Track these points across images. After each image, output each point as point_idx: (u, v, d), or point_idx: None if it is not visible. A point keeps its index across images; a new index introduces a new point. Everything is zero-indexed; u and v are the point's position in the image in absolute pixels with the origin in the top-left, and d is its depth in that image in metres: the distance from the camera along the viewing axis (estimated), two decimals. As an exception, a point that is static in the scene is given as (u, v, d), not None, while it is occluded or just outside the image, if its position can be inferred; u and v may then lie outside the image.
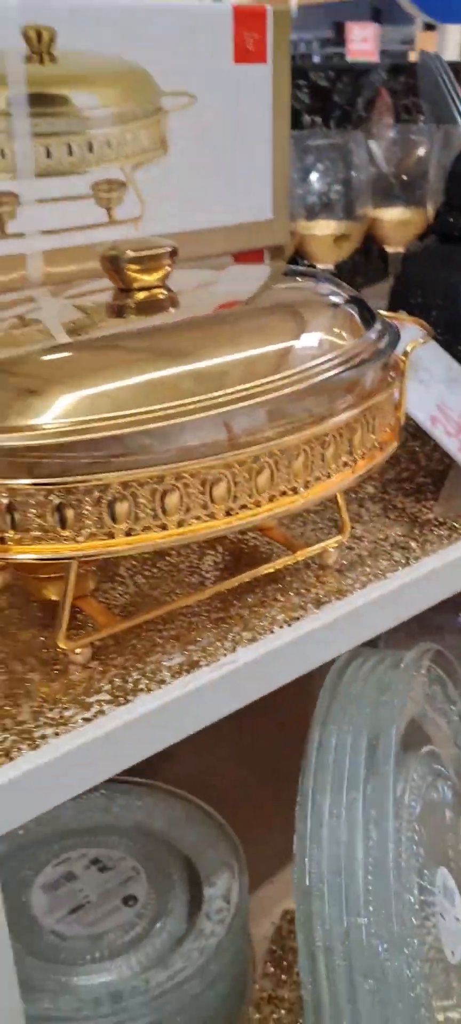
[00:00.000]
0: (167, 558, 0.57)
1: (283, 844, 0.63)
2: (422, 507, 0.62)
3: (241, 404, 0.42)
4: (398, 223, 0.98)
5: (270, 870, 0.76)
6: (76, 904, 0.67)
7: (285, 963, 0.69)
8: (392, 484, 0.66)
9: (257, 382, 0.43)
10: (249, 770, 0.75)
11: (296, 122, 0.99)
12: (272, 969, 0.69)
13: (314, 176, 0.91)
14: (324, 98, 0.99)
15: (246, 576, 0.53)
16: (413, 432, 0.75)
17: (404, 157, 1.01)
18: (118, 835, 0.72)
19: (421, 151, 1.01)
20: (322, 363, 0.45)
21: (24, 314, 0.50)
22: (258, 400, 0.43)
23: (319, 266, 0.94)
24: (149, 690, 0.46)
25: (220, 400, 0.42)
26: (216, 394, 0.42)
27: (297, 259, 0.94)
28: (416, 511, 0.62)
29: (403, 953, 0.40)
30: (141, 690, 0.46)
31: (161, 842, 0.72)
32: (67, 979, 0.61)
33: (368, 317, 0.52)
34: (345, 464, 0.47)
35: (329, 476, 0.46)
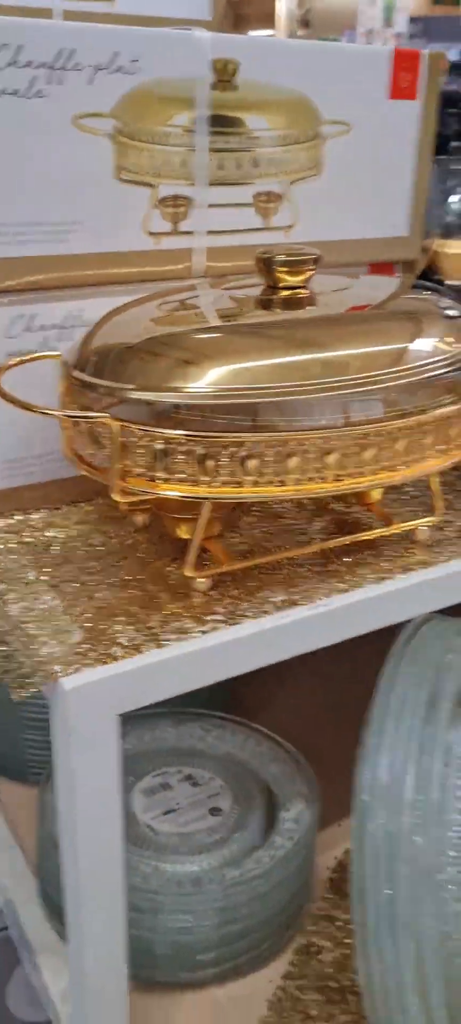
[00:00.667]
0: (282, 519, 0.67)
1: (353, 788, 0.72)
2: None
3: (356, 390, 0.51)
4: None
5: (338, 815, 0.84)
6: (169, 808, 0.78)
7: (342, 891, 0.78)
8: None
9: (372, 374, 0.52)
10: (333, 719, 0.84)
11: (443, 147, 1.05)
12: (331, 894, 0.78)
13: (453, 198, 0.98)
14: (472, 126, 1.05)
15: (346, 539, 0.62)
16: None
17: None
18: (210, 760, 0.83)
19: None
20: (429, 363, 0.54)
21: (186, 300, 0.61)
22: (369, 389, 0.51)
23: (449, 282, 1.01)
24: (255, 617, 0.56)
25: (340, 384, 0.51)
26: (338, 379, 0.51)
27: (429, 274, 1.01)
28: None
29: (438, 853, 0.47)
30: (249, 616, 0.56)
31: (247, 770, 0.82)
32: (156, 864, 0.72)
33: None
34: (440, 452, 0.55)
35: (425, 460, 0.55)
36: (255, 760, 0.83)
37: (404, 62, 0.68)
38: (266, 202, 0.67)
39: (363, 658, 0.65)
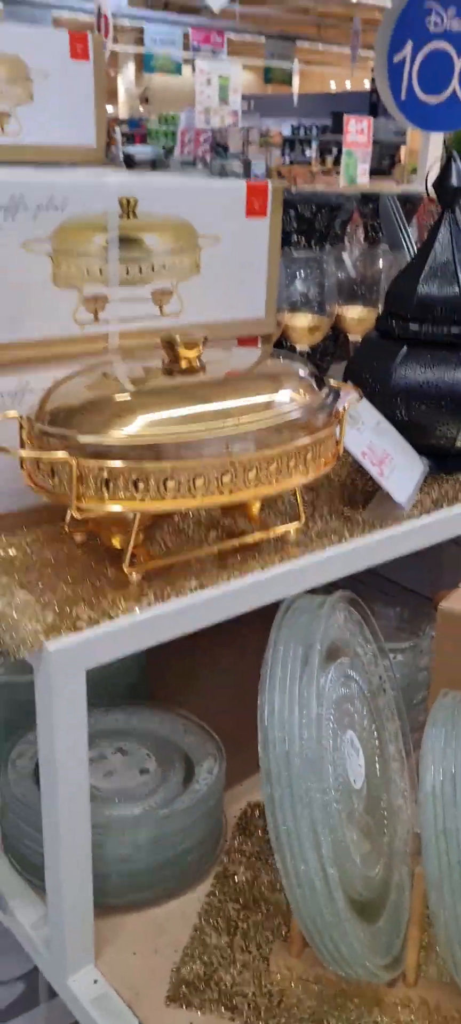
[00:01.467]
0: (187, 531, 0.89)
1: (253, 753, 0.93)
2: (355, 513, 0.95)
3: (241, 431, 0.74)
4: (358, 318, 1.32)
5: (241, 774, 1.05)
6: (107, 771, 0.97)
7: (248, 832, 0.99)
8: (336, 499, 0.98)
9: (251, 419, 0.75)
10: (233, 698, 1.05)
11: (287, 240, 1.33)
12: (239, 835, 0.99)
13: (296, 281, 1.25)
14: (308, 223, 1.33)
15: (236, 542, 0.85)
16: (355, 470, 1.08)
17: (367, 269, 1.36)
18: (137, 736, 1.02)
19: (379, 265, 1.36)
20: (289, 409, 0.78)
21: (110, 372, 0.82)
22: (252, 429, 0.75)
23: (298, 348, 1.28)
24: (177, 596, 0.77)
25: (229, 428, 0.74)
26: (228, 423, 0.74)
27: (283, 342, 1.28)
28: (351, 515, 0.94)
29: (322, 763, 0.71)
30: (172, 596, 0.77)
31: (167, 742, 1.02)
32: (103, 811, 0.90)
33: (321, 383, 0.84)
34: (301, 472, 0.79)
35: (291, 477, 0.78)
36: (174, 734, 1.03)
37: (255, 192, 0.94)
38: (160, 296, 0.90)
39: (254, 651, 0.87)
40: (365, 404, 0.99)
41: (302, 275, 1.27)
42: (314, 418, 0.81)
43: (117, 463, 0.72)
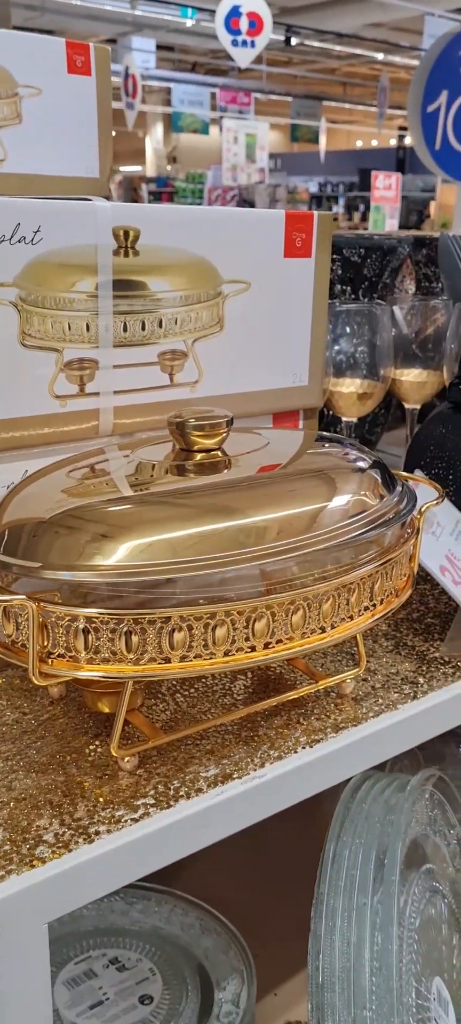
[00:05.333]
0: (203, 681, 0.65)
1: (289, 957, 0.68)
2: (429, 646, 0.70)
3: (281, 557, 0.50)
4: (416, 383, 1.08)
5: (275, 982, 0.80)
6: (96, 1000, 0.71)
7: None
8: (404, 624, 0.74)
9: (295, 538, 0.51)
10: (262, 884, 0.80)
11: (329, 290, 1.10)
12: None
13: (342, 339, 1.03)
14: (355, 270, 1.11)
15: (274, 700, 0.60)
16: (424, 575, 0.83)
17: (423, 324, 1.13)
18: (136, 938, 0.77)
19: (439, 320, 1.13)
20: (350, 524, 0.54)
21: (96, 465, 0.59)
22: (295, 554, 0.51)
23: (345, 419, 1.05)
24: (188, 797, 0.53)
25: (263, 552, 0.50)
26: (260, 546, 0.50)
27: (324, 411, 1.05)
28: (424, 649, 0.69)
29: None
30: (181, 797, 0.53)
31: (176, 947, 0.77)
32: None
33: (389, 480, 0.60)
34: (366, 608, 0.55)
35: (351, 618, 0.54)
36: (184, 934, 0.78)
37: (297, 223, 0.71)
38: (171, 360, 0.67)
39: (290, 813, 0.63)
40: (443, 504, 0.74)
41: (349, 331, 1.04)
42: (385, 533, 0.57)
43: (97, 609, 0.48)
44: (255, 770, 0.55)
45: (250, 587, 0.50)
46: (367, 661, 0.66)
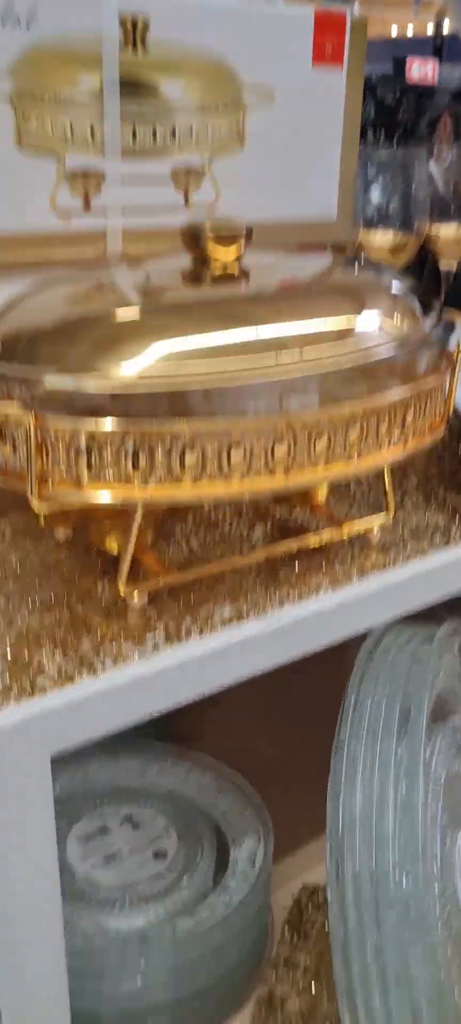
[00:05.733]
0: (219, 527, 0.61)
1: (307, 820, 0.65)
2: (463, 499, 0.65)
3: (306, 372, 0.45)
4: (453, 239, 1.01)
5: (292, 845, 0.78)
6: (108, 854, 0.70)
7: (302, 932, 0.71)
8: (436, 478, 0.69)
9: (322, 354, 0.46)
10: (282, 744, 0.78)
11: (361, 133, 1.02)
12: (289, 935, 0.72)
13: (375, 186, 0.95)
14: (389, 114, 1.02)
15: (294, 542, 0.56)
16: (457, 434, 0.78)
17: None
18: (152, 797, 0.75)
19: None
20: (383, 343, 0.48)
21: (103, 279, 0.54)
22: (321, 371, 0.46)
23: (374, 275, 0.98)
24: (201, 634, 0.49)
25: (286, 366, 0.45)
26: (283, 361, 0.45)
27: (353, 266, 0.98)
28: (457, 503, 0.65)
29: (427, 891, 0.42)
30: (194, 634, 0.49)
31: (192, 806, 0.75)
32: (99, 921, 0.64)
33: (426, 308, 0.54)
34: (396, 440, 0.50)
35: (380, 449, 0.49)
36: (200, 794, 0.76)
37: (328, 26, 0.64)
38: (186, 177, 0.61)
39: (308, 670, 0.59)
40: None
41: (382, 180, 0.97)
42: (416, 359, 0.52)
43: (104, 424, 0.44)
44: (272, 611, 0.51)
45: (270, 406, 0.46)
46: (396, 512, 0.62)
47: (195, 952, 0.62)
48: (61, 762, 0.79)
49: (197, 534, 0.60)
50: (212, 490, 0.46)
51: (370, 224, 0.95)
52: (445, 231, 1.02)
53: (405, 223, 0.96)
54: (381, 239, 0.95)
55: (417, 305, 0.55)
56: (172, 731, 0.82)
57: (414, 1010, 0.41)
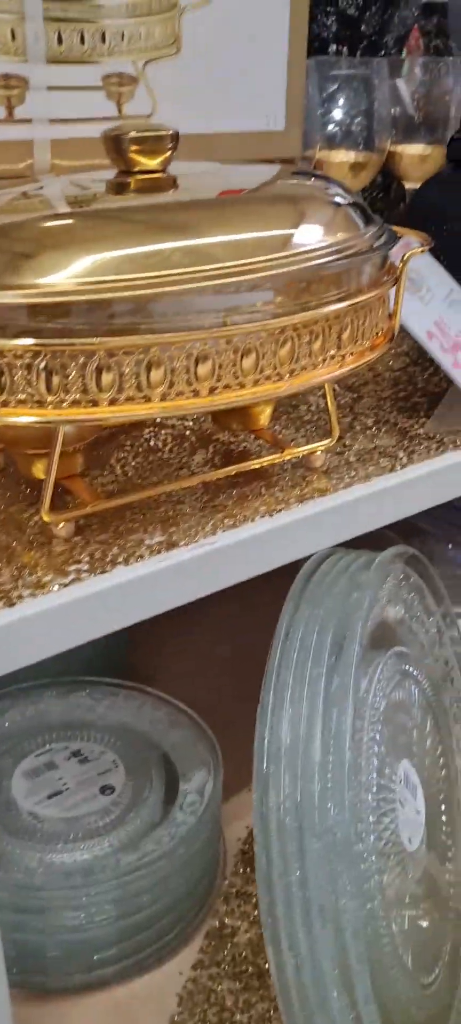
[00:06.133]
0: (159, 454, 0.59)
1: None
2: (414, 423, 0.63)
3: (229, 280, 0.43)
4: (418, 159, 0.97)
5: (248, 780, 0.77)
6: (54, 790, 0.69)
7: (254, 865, 0.71)
8: (387, 402, 0.67)
9: (246, 261, 0.43)
10: (233, 673, 0.77)
11: (322, 48, 0.98)
12: (242, 868, 0.71)
13: (336, 104, 0.91)
14: (352, 27, 0.98)
15: (232, 469, 0.54)
16: (415, 359, 0.75)
17: (429, 93, 1.00)
18: (101, 731, 0.74)
19: (447, 84, 1.00)
20: (316, 251, 0.46)
21: (27, 190, 0.51)
22: (245, 278, 0.43)
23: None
24: (127, 563, 0.47)
25: (208, 274, 0.43)
26: (205, 268, 0.43)
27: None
28: (408, 426, 0.63)
29: (358, 820, 0.41)
30: (119, 563, 0.47)
31: (142, 740, 0.74)
32: (41, 855, 0.63)
33: (368, 219, 0.52)
34: (332, 357, 0.48)
35: (315, 367, 0.47)
36: (151, 728, 0.75)
37: None
38: (118, 85, 0.57)
39: (265, 604, 0.58)
40: (432, 263, 0.66)
41: (343, 98, 0.93)
42: (357, 270, 0.49)
43: (11, 341, 0.41)
44: (205, 538, 0.49)
45: (201, 320, 0.43)
46: (342, 436, 0.60)
47: (140, 885, 0.61)
48: (10, 697, 0.78)
49: (134, 461, 0.57)
50: (131, 411, 0.43)
51: (332, 142, 0.92)
52: (410, 150, 0.99)
53: (368, 142, 0.92)
54: (341, 157, 0.92)
55: (361, 218, 0.52)
56: (128, 669, 0.81)
57: (340, 941, 0.40)
